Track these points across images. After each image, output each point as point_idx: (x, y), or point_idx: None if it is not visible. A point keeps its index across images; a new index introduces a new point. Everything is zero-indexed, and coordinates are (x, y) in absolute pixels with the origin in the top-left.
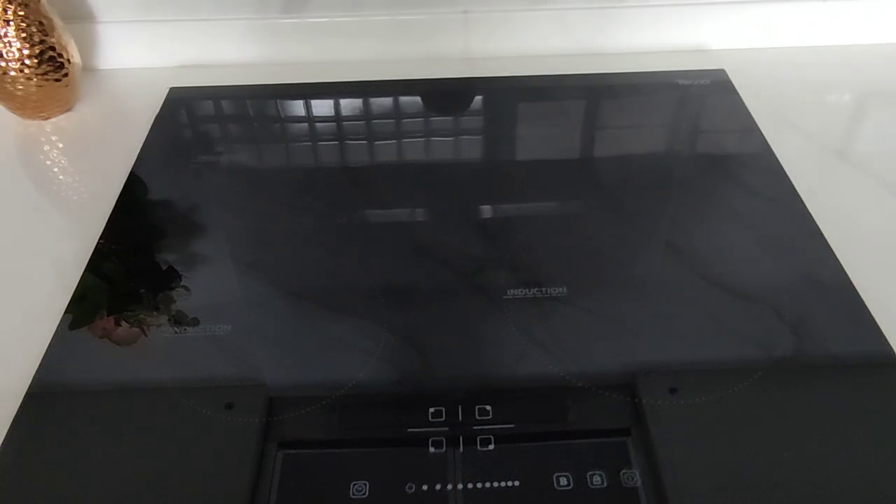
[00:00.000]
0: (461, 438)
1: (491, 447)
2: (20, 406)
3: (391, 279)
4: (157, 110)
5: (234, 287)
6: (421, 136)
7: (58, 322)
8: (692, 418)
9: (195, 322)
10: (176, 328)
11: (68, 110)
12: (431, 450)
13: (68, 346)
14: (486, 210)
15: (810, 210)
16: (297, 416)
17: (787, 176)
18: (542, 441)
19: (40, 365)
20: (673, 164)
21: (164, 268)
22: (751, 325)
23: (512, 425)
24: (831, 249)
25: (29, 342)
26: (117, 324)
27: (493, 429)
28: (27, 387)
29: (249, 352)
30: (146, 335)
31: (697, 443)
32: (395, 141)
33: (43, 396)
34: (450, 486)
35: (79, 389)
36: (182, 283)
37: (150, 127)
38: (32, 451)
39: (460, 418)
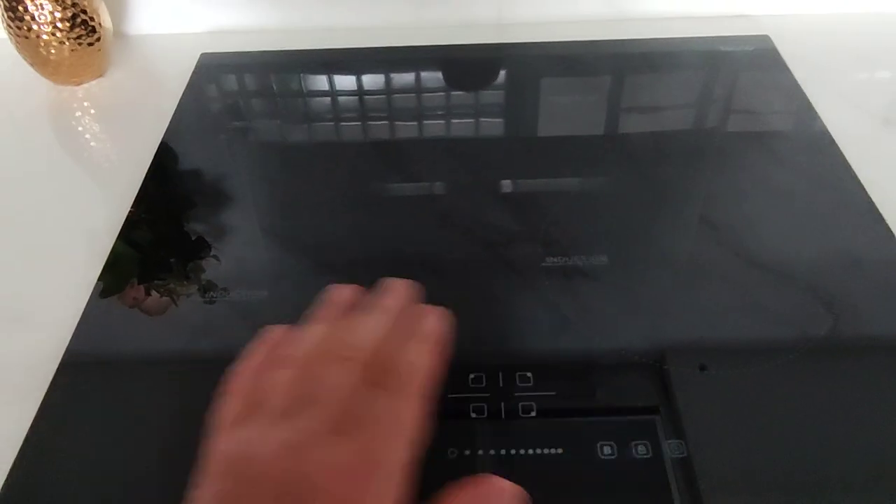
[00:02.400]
0: (503, 405)
1: (533, 414)
2: (54, 375)
3: (423, 249)
4: (189, 77)
5: (265, 257)
6: (454, 107)
7: (90, 290)
8: (722, 394)
9: (225, 292)
10: (206, 298)
11: (100, 76)
12: (473, 416)
13: (101, 315)
14: (518, 183)
15: (864, 184)
16: None
17: (838, 148)
18: (584, 414)
19: (74, 334)
20: (713, 136)
21: (194, 238)
22: (790, 304)
23: (554, 393)
24: (886, 224)
25: (62, 311)
26: (147, 293)
27: (534, 396)
28: (61, 356)
29: (280, 323)
30: (176, 304)
31: (727, 420)
32: (426, 111)
33: (77, 366)
34: (492, 452)
35: (111, 359)
36: (212, 252)
37: (181, 94)
38: (66, 421)
39: (501, 385)
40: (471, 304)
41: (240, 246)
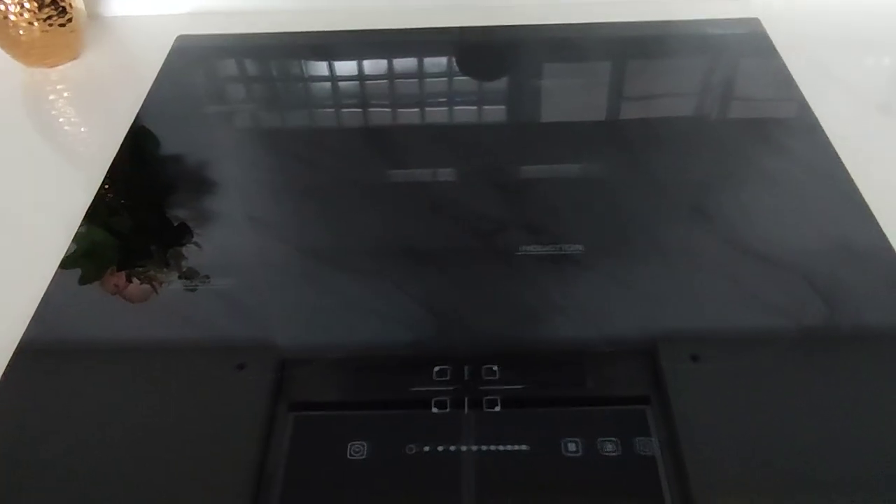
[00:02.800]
0: (466, 399)
1: (497, 409)
2: (10, 360)
3: (406, 238)
4: (164, 59)
5: (247, 245)
6: (444, 91)
7: (53, 272)
8: (714, 386)
9: (206, 279)
10: (187, 285)
11: (74, 58)
12: (434, 410)
13: (75, 300)
14: (507, 170)
15: (851, 173)
16: (309, 376)
17: (825, 135)
18: (552, 406)
19: (33, 317)
20: (702, 122)
21: (176, 224)
22: (779, 293)
23: (520, 386)
24: (872, 214)
25: (29, 294)
26: (128, 280)
27: (500, 389)
28: (19, 339)
29: (262, 311)
30: (157, 292)
31: (718, 412)
32: (416, 96)
33: (42, 350)
34: (453, 448)
35: (86, 345)
36: (193, 239)
37: (155, 76)
38: (28, 408)
39: (466, 378)
40: (451, 296)
41: (222, 232)
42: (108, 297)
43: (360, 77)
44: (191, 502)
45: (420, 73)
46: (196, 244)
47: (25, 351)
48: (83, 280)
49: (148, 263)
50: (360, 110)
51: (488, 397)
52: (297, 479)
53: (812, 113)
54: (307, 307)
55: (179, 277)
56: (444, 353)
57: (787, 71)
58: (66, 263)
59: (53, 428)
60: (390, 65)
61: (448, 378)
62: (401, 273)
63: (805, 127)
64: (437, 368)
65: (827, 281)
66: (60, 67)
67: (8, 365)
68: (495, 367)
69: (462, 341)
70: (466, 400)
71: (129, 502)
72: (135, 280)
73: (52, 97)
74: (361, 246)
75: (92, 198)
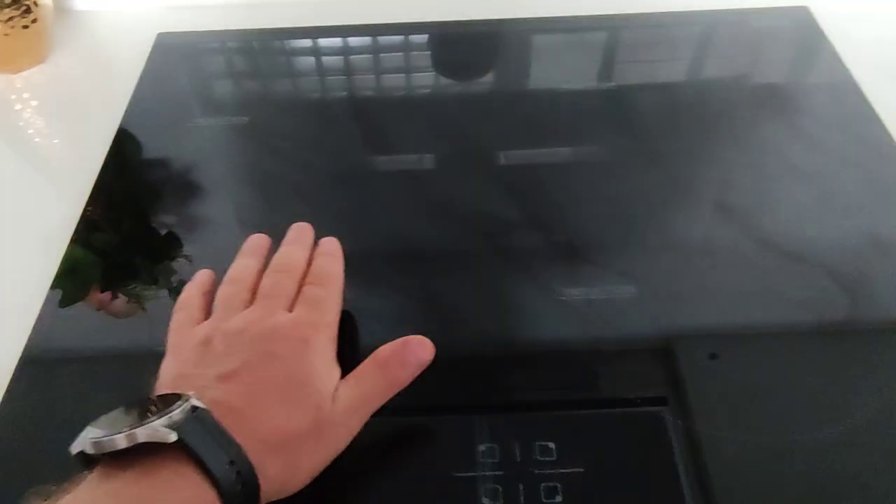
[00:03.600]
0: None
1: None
2: (11, 379)
3: (412, 240)
4: (146, 59)
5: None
6: (431, 88)
7: (44, 297)
8: (733, 384)
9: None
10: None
11: (41, 62)
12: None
13: (61, 318)
14: (516, 160)
15: None
16: None
17: (883, 126)
18: (574, 409)
19: (28, 341)
20: (750, 125)
21: (164, 233)
22: (802, 288)
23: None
24: None
25: (16, 318)
26: (114, 296)
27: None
28: (17, 360)
29: None
30: (144, 310)
31: (738, 411)
32: (408, 89)
33: (35, 370)
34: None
35: (75, 359)
36: (183, 251)
37: (137, 79)
38: (28, 422)
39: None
40: (456, 298)
41: (213, 242)
42: (99, 314)
43: (349, 72)
44: None
45: (409, 68)
46: (186, 257)
47: (24, 369)
48: (63, 302)
49: (135, 281)
50: (351, 106)
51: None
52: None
53: (874, 113)
54: None
55: (170, 294)
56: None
57: (843, 65)
58: (53, 284)
59: (53, 442)
60: (377, 61)
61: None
62: (402, 273)
63: (867, 127)
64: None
65: (859, 276)
66: (25, 73)
67: (9, 384)
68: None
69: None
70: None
71: None
72: (121, 297)
73: (18, 107)
74: (369, 247)
75: (74, 213)
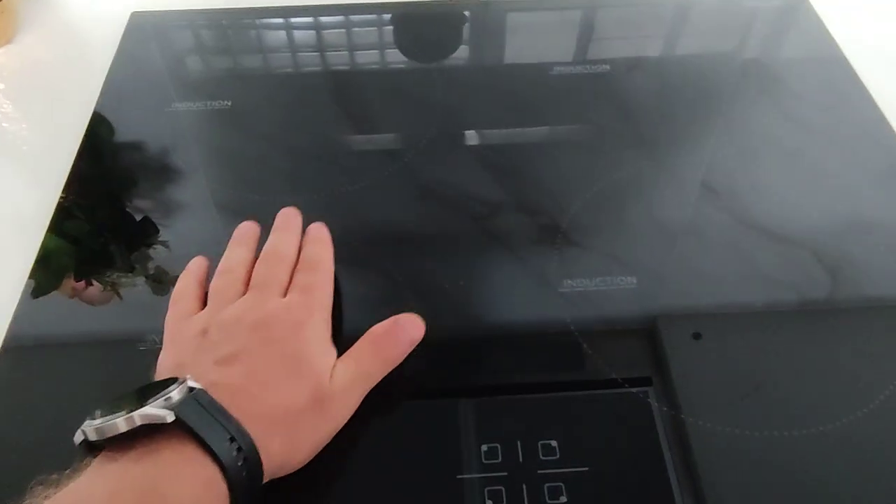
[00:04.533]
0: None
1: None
2: None
3: (387, 221)
4: (118, 40)
5: (220, 237)
6: (422, 67)
7: (22, 287)
8: (717, 363)
9: (176, 280)
10: (155, 288)
11: (7, 42)
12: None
13: (37, 308)
14: (500, 141)
15: None
16: None
17: (878, 109)
18: (550, 392)
19: (7, 333)
20: (738, 105)
21: (139, 219)
22: (787, 269)
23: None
24: None
25: None
26: (88, 283)
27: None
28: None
29: None
30: (120, 297)
31: (723, 391)
32: (388, 67)
33: (14, 359)
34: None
35: (51, 347)
36: (160, 237)
37: (111, 60)
38: (10, 411)
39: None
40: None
41: (191, 227)
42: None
43: (325, 50)
44: None
45: (383, 44)
46: (163, 243)
47: (3, 358)
48: (36, 292)
49: (110, 269)
50: (329, 86)
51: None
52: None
53: (869, 95)
54: None
55: (147, 280)
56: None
57: (838, 48)
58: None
59: (32, 431)
60: (356, 38)
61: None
62: (387, 258)
63: (862, 110)
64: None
65: (842, 256)
66: None
67: None
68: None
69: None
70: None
71: None
72: (96, 284)
73: None
74: (353, 231)
75: (48, 200)
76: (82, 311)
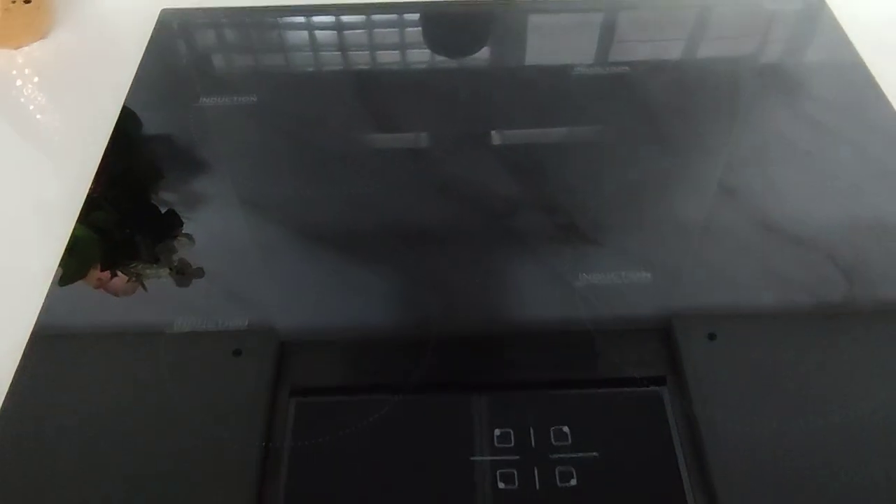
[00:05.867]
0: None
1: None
2: (21, 359)
3: (408, 217)
4: (149, 36)
5: (242, 230)
6: (446, 63)
7: (51, 276)
8: (732, 365)
9: (200, 273)
10: (179, 279)
11: (42, 37)
12: (456, 392)
13: (66, 297)
14: (520, 141)
15: None
16: (309, 362)
17: (893, 110)
18: (564, 388)
19: (37, 320)
20: (755, 106)
21: (164, 211)
22: (803, 271)
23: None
24: None
25: (21, 298)
26: (113, 274)
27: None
28: (26, 341)
29: (258, 296)
30: (145, 289)
31: (737, 392)
32: (412, 66)
33: (44, 348)
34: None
35: (80, 336)
36: (184, 229)
37: (141, 55)
38: (37, 400)
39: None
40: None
41: (215, 219)
42: (99, 293)
43: (364, 47)
44: (192, 488)
45: (406, 43)
46: (187, 236)
47: (33, 348)
48: (64, 280)
49: (135, 260)
50: (357, 84)
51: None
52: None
53: (886, 99)
54: (305, 292)
55: (171, 272)
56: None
57: (854, 50)
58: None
59: (60, 419)
60: (386, 38)
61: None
62: (404, 253)
63: (870, 100)
64: (450, 353)
65: (859, 259)
66: (26, 48)
67: (20, 362)
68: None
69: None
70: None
71: (128, 487)
72: (121, 275)
73: (19, 83)
74: (374, 229)
75: (77, 191)
76: (107, 301)
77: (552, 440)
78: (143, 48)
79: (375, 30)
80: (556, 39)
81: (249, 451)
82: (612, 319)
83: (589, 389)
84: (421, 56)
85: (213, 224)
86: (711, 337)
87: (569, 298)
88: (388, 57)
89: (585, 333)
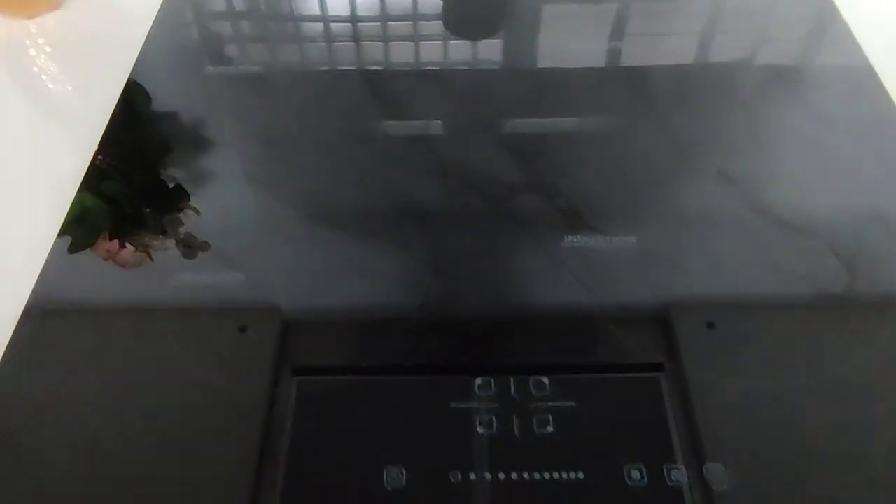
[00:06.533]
0: (483, 368)
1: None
2: (16, 326)
3: (413, 198)
4: (158, 7)
5: (248, 206)
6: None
7: (52, 242)
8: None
9: (206, 246)
10: (185, 252)
11: (56, 7)
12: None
13: (70, 266)
14: (521, 127)
15: None
16: (313, 341)
17: (889, 97)
18: (568, 372)
19: (35, 286)
20: (757, 96)
21: (172, 186)
22: (803, 261)
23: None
24: None
25: (24, 263)
26: (122, 246)
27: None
28: (23, 307)
29: (264, 274)
30: (151, 259)
31: (734, 381)
32: (420, 45)
33: (41, 316)
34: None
35: (81, 309)
36: (191, 203)
37: (150, 26)
38: (33, 371)
39: (477, 346)
40: (460, 260)
41: (222, 195)
42: (106, 264)
43: (377, 18)
44: (194, 464)
45: (417, 16)
46: (194, 209)
47: (30, 317)
48: (73, 248)
49: (143, 231)
50: (376, 57)
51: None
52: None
53: (878, 77)
54: (310, 269)
55: (177, 244)
56: (450, 316)
57: (851, 33)
58: (61, 231)
59: (58, 390)
60: (414, 5)
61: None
62: (407, 234)
63: (871, 92)
64: (451, 337)
65: (860, 248)
66: (40, 18)
67: (14, 331)
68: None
69: (468, 303)
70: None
71: (130, 464)
72: (128, 245)
73: (32, 52)
74: (366, 205)
75: (84, 161)
76: (109, 272)
77: (534, 426)
78: (153, 18)
79: (387, 8)
80: (565, 29)
81: (251, 428)
82: (611, 306)
83: (587, 375)
84: (432, 30)
85: (219, 202)
86: (710, 325)
87: (566, 283)
88: (401, 30)
89: (583, 319)
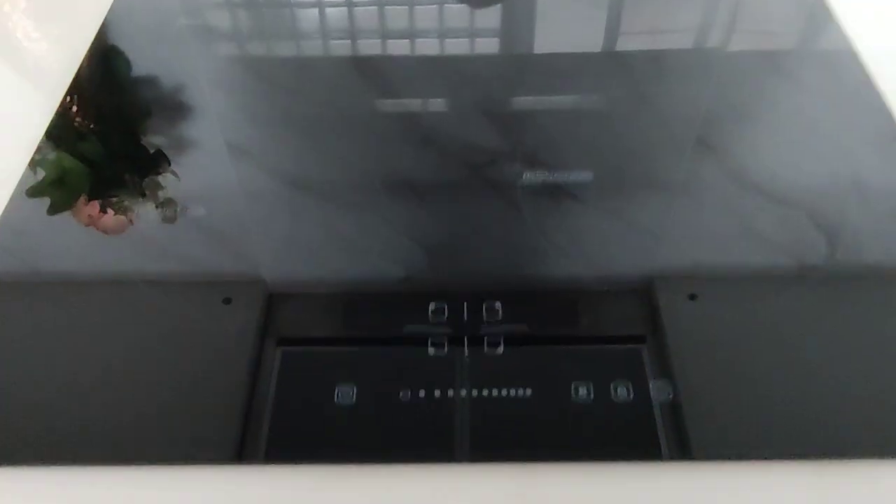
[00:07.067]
0: (466, 339)
1: (500, 350)
2: None
3: (398, 169)
4: None
5: (230, 174)
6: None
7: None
8: (712, 325)
9: (185, 210)
10: (164, 216)
11: None
12: (431, 350)
13: (52, 232)
14: (504, 101)
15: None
16: (296, 311)
17: (863, 66)
18: (554, 345)
19: None
20: (736, 69)
21: (152, 151)
22: (784, 231)
23: (524, 325)
24: None
25: None
26: (103, 210)
27: (502, 329)
28: None
29: (247, 244)
30: (131, 222)
31: (716, 352)
32: (405, 22)
33: (9, 283)
34: (451, 392)
35: (62, 276)
36: (171, 167)
37: None
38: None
39: (465, 317)
40: (443, 230)
41: (202, 161)
42: (81, 227)
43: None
44: (178, 435)
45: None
46: (174, 173)
47: None
48: (52, 209)
49: (122, 193)
50: (360, 28)
51: (490, 337)
52: (283, 413)
53: (854, 48)
54: (294, 240)
55: (156, 207)
56: (434, 288)
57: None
58: (33, 192)
59: (31, 361)
60: None
61: (443, 316)
62: (391, 205)
63: (848, 63)
64: (432, 306)
65: (841, 219)
66: None
67: None
68: (497, 305)
69: (453, 275)
70: (466, 340)
71: (114, 435)
72: (109, 211)
73: (6, 8)
74: (350, 177)
75: (50, 118)
76: (103, 243)
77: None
78: None
79: None
80: (558, 15)
81: (235, 396)
82: (593, 278)
83: (571, 346)
84: (425, 25)
85: (199, 168)
86: (692, 297)
87: (549, 255)
88: (387, 10)
89: (564, 291)
